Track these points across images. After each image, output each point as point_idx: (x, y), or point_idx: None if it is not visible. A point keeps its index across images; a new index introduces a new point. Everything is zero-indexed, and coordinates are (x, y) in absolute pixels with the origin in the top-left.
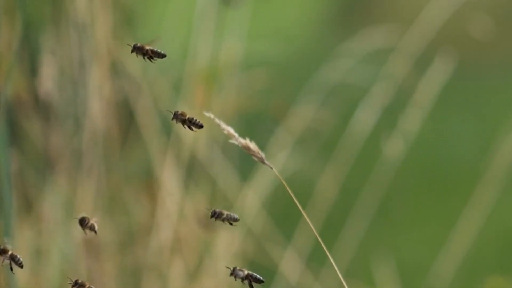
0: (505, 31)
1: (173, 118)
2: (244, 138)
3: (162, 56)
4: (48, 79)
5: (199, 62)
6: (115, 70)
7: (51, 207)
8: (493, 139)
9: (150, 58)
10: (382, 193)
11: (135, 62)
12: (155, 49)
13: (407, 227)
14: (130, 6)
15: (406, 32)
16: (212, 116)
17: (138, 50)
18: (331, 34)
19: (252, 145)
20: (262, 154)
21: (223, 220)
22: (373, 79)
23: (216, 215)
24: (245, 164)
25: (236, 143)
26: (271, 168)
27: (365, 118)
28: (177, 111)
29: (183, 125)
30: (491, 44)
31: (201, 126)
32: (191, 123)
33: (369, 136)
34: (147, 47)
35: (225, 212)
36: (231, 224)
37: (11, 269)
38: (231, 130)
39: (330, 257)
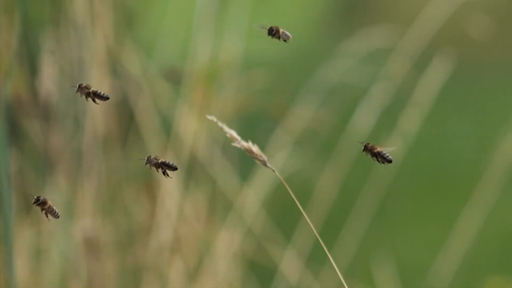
0: (504, 31)
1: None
2: (246, 141)
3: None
4: (48, 79)
5: (199, 62)
6: (115, 70)
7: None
8: (492, 139)
9: (94, 100)
10: (382, 193)
11: (135, 62)
12: (99, 91)
13: (407, 227)
14: (130, 6)
15: (405, 32)
16: (214, 119)
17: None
18: (330, 34)
19: (255, 148)
20: (265, 157)
21: None
22: (373, 79)
23: None
24: (245, 164)
25: (238, 146)
26: (273, 171)
27: (364, 118)
28: None
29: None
30: (490, 45)
31: None
32: None
33: (369, 136)
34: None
35: None
36: None
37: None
38: (233, 133)
39: (330, 257)
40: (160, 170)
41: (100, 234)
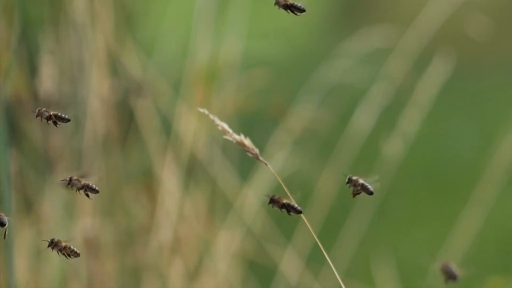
0: (504, 31)
1: None
2: (238, 134)
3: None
4: (47, 79)
5: (198, 62)
6: (115, 70)
7: (51, 207)
8: (492, 139)
9: (55, 122)
10: (382, 193)
11: (135, 62)
12: (59, 114)
13: (407, 227)
14: (130, 6)
15: (405, 32)
16: (206, 112)
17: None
18: (330, 34)
19: (247, 141)
20: (257, 150)
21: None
22: (372, 79)
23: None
24: (245, 164)
25: (230, 139)
26: (266, 164)
27: (364, 118)
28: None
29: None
30: (490, 44)
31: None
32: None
33: (369, 136)
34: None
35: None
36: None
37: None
38: (225, 126)
39: (328, 259)
40: (81, 191)
41: (100, 234)
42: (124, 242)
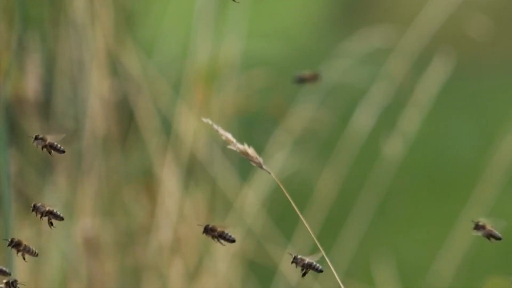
0: (504, 31)
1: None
2: (242, 143)
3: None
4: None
5: (198, 62)
6: (115, 70)
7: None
8: (492, 139)
9: (49, 152)
10: (382, 193)
11: (135, 62)
12: (54, 144)
13: (407, 227)
14: (130, 6)
15: (405, 32)
16: (210, 122)
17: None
18: (330, 34)
19: (250, 151)
20: (260, 159)
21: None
22: (372, 79)
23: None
24: (245, 164)
25: (234, 148)
26: (269, 173)
27: (364, 118)
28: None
29: None
30: (490, 44)
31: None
32: None
33: (368, 136)
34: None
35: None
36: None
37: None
38: (229, 136)
39: (328, 260)
40: (45, 218)
41: (100, 234)
42: (124, 242)
